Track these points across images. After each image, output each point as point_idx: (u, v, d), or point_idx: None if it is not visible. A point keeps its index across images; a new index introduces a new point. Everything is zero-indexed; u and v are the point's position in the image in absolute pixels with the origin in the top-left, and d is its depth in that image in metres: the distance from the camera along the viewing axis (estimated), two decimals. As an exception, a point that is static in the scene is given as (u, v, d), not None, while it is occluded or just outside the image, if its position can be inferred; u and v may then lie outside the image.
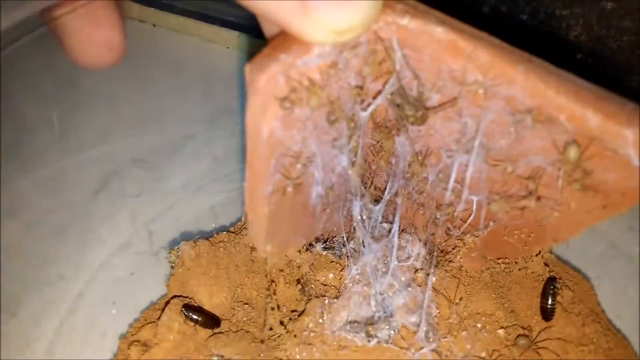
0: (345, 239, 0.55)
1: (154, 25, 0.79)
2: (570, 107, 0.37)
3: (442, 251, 0.57)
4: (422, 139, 0.48)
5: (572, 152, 0.39)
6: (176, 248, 0.58)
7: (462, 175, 0.48)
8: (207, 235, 0.59)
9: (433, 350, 0.51)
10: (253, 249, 0.59)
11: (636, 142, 0.36)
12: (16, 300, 0.52)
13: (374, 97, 0.45)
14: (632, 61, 0.69)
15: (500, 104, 0.40)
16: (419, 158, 0.49)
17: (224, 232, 0.60)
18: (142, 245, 0.60)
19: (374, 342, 0.51)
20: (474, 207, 0.50)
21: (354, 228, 0.52)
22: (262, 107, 0.39)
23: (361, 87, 0.44)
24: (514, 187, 0.46)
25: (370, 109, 0.45)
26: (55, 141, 0.50)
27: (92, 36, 0.45)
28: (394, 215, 0.53)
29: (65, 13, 0.42)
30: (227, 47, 0.81)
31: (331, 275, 0.56)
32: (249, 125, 0.40)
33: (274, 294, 0.53)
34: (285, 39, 0.38)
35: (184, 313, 0.53)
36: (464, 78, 0.40)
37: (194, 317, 0.53)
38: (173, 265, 0.58)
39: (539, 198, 0.44)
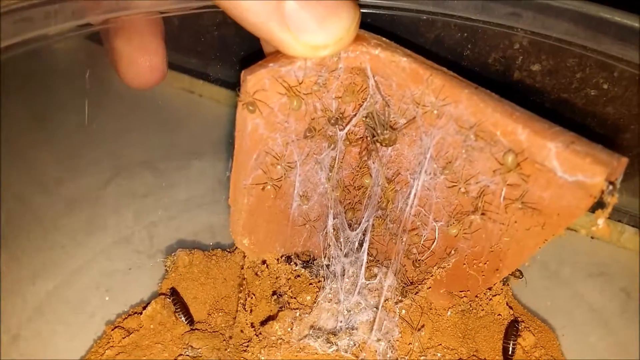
0: (323, 260, 0.60)
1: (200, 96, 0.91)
2: (504, 123, 0.44)
3: (411, 283, 0.61)
4: (394, 164, 0.55)
5: (510, 159, 0.44)
6: (173, 254, 0.64)
7: (424, 200, 0.54)
8: (203, 249, 0.65)
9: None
10: (242, 267, 0.64)
11: (559, 155, 0.42)
12: (19, 251, 0.58)
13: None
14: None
15: (450, 123, 0.47)
16: (388, 180, 0.55)
17: (219, 249, 0.66)
18: (142, 244, 0.66)
19: (332, 349, 0.54)
20: (437, 233, 0.55)
21: (329, 244, 0.58)
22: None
23: (341, 113, 0.52)
24: (467, 207, 0.51)
25: (347, 128, 0.53)
26: (82, 125, 0.58)
27: (139, 60, 0.56)
28: (367, 240, 0.58)
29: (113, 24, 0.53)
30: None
31: (309, 298, 0.61)
32: (238, 120, 0.49)
33: (249, 295, 0.58)
34: (277, 54, 0.47)
35: (168, 294, 0.59)
36: (422, 100, 0.48)
37: (174, 300, 0.58)
38: (168, 269, 0.63)
39: (483, 213, 0.49)
